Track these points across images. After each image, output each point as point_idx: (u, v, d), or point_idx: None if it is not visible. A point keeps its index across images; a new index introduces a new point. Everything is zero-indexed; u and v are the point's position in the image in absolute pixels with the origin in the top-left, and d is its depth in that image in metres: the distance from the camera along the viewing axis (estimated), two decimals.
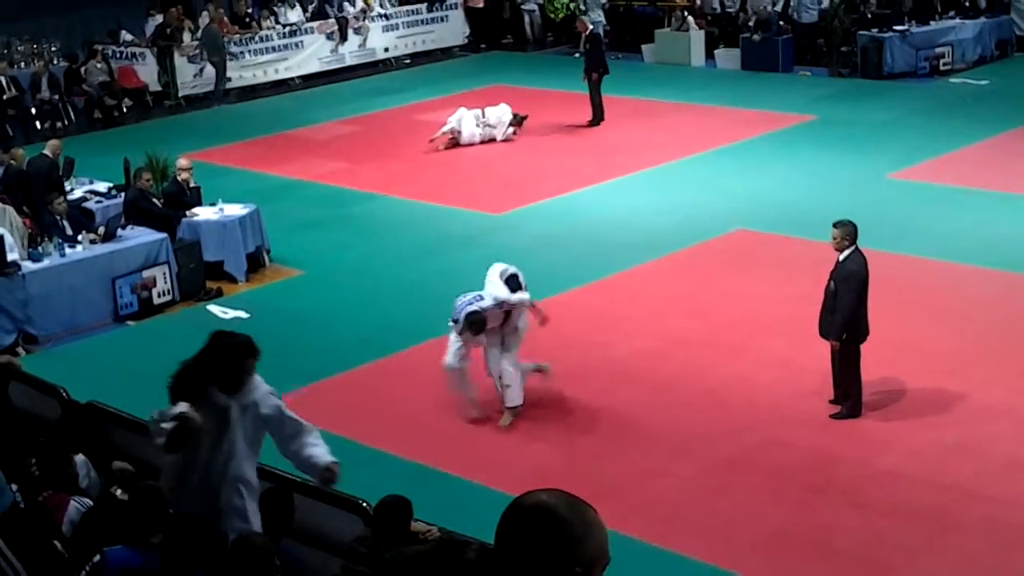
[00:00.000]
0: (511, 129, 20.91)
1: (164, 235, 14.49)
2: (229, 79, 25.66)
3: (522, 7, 30.24)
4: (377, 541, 6.90)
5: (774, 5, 25.99)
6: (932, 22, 24.66)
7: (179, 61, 25.31)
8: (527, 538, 2.91)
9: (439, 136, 20.65)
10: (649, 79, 25.32)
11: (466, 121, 20.69)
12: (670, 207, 16.93)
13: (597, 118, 21.56)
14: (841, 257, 10.58)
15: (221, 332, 7.35)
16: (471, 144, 20.64)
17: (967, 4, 25.24)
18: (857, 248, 10.57)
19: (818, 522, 9.30)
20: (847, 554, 8.94)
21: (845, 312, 10.49)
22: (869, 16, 24.94)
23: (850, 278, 10.48)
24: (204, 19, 26.40)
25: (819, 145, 19.51)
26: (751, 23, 25.86)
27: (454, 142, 20.69)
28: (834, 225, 10.69)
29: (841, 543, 9.06)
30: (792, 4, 25.95)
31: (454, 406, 11.45)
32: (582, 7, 28.22)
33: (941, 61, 24.22)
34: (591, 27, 22.65)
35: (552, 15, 30.03)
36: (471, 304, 10.88)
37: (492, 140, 20.79)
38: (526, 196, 17.79)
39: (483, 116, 20.85)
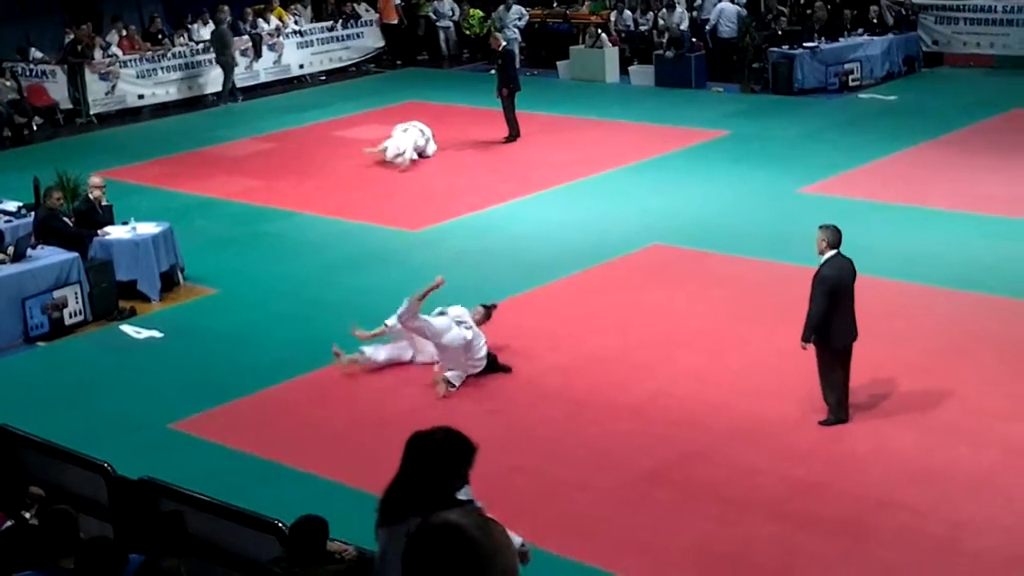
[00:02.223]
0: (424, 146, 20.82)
1: (75, 254, 14.28)
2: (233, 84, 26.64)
3: (437, 24, 30.28)
4: (293, 562, 6.84)
5: (680, 23, 26.23)
6: (841, 39, 25.06)
7: (90, 78, 25.02)
8: (437, 559, 2.87)
9: (404, 162, 20.38)
10: (564, 95, 25.46)
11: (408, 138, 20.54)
12: (586, 223, 17.01)
13: (513, 134, 21.62)
14: (821, 260, 10.69)
15: (422, 435, 5.70)
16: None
17: (875, 21, 25.67)
18: (839, 253, 10.64)
19: (736, 535, 9.36)
20: (765, 566, 9.01)
21: (813, 315, 10.56)
22: (780, 33, 25.28)
23: (822, 281, 10.56)
24: (113, 37, 26.13)
25: (732, 160, 19.71)
26: (664, 40, 26.10)
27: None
28: (819, 228, 10.80)
29: (759, 555, 9.13)
30: (711, 20, 26.24)
31: (370, 423, 11.41)
32: (497, 24, 28.32)
33: (850, 77, 24.63)
34: (504, 44, 22.72)
35: (467, 32, 30.10)
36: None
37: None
38: (443, 213, 17.79)
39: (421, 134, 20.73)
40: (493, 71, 23.34)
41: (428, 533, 2.91)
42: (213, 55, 26.58)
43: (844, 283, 10.57)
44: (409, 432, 11.41)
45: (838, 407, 10.81)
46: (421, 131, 20.65)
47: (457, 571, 2.86)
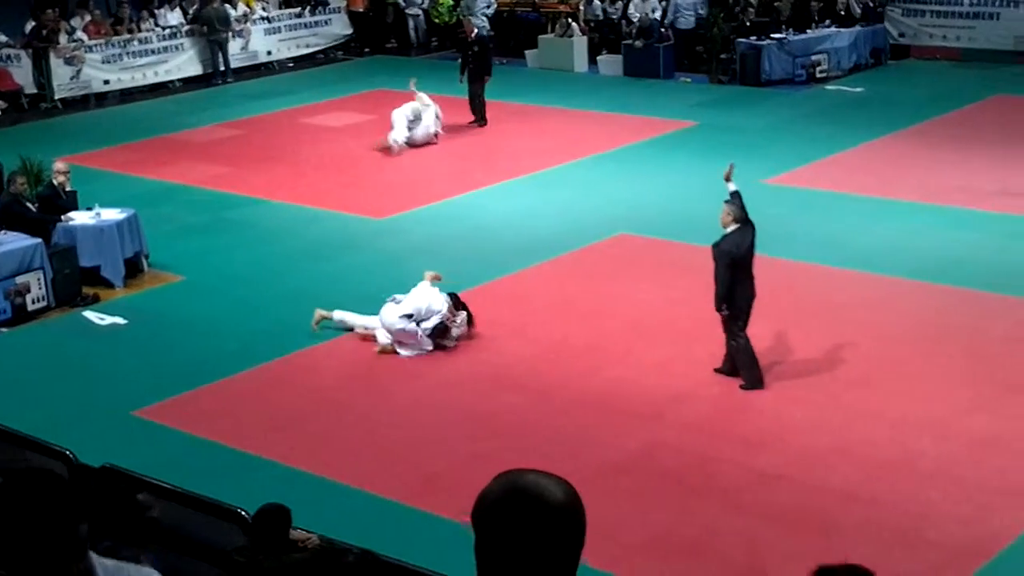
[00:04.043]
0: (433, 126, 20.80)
1: (39, 240, 14.16)
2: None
3: (406, 11, 30.17)
4: (256, 550, 6.82)
5: (653, 12, 26.27)
6: (809, 30, 25.14)
7: (55, 63, 24.80)
8: (553, 538, 2.74)
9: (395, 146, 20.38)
10: (533, 84, 25.43)
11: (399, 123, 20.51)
12: (553, 212, 17.01)
13: (480, 119, 21.73)
14: (724, 233, 11.26)
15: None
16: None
17: (843, 13, 25.75)
18: (742, 227, 11.17)
19: (699, 525, 9.39)
20: (727, 556, 9.04)
21: (720, 286, 11.21)
22: (748, 24, 25.33)
23: (722, 255, 11.19)
24: (79, 21, 25.92)
25: (699, 151, 19.72)
26: (633, 30, 26.11)
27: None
28: (724, 203, 11.41)
29: (722, 546, 9.15)
30: (669, 11, 26.27)
31: (334, 411, 11.39)
32: (465, 12, 28.28)
33: (817, 68, 24.70)
34: (476, 31, 22.67)
35: (436, 20, 30.02)
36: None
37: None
38: (409, 200, 17.74)
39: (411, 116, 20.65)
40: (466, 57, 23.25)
41: (539, 512, 2.74)
42: (208, 35, 26.81)
43: (743, 254, 11.18)
44: (374, 421, 11.43)
45: (750, 370, 11.36)
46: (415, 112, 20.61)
47: (570, 549, 2.77)
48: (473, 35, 22.20)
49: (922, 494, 9.62)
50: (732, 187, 11.65)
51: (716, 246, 11.31)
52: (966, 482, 9.77)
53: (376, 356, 12.51)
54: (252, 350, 12.81)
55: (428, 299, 12.47)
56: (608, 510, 9.54)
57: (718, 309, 11.29)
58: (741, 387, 11.37)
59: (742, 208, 11.32)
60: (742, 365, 11.39)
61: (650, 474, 10.10)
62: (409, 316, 12.38)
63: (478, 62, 21.73)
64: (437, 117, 20.81)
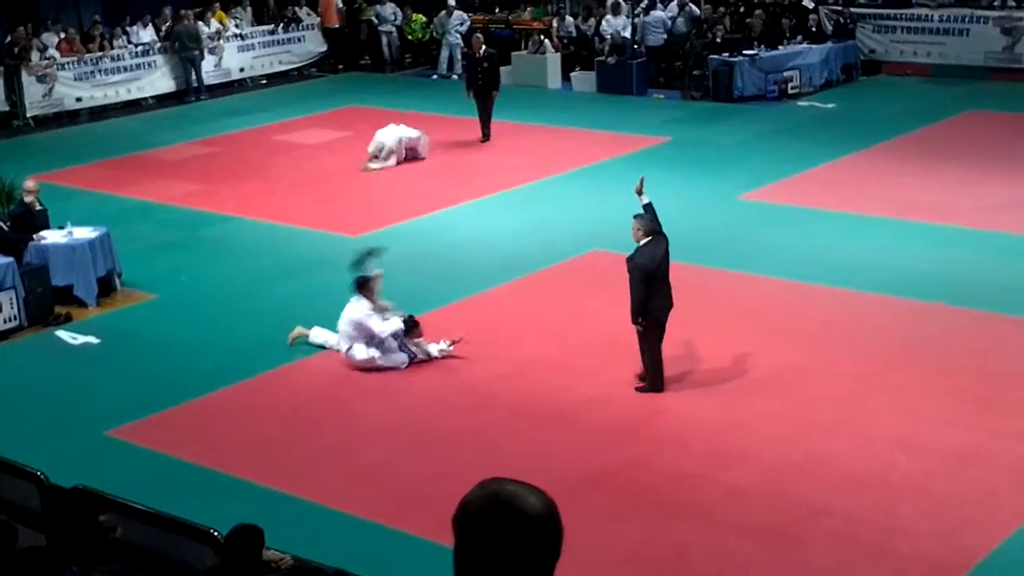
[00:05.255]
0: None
1: (10, 259, 14.10)
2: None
3: (379, 28, 30.20)
4: (228, 571, 6.80)
5: (624, 29, 26.36)
6: (780, 47, 25.26)
7: (27, 80, 24.73)
8: (530, 548, 2.82)
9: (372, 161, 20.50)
10: (506, 101, 25.34)
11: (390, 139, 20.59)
12: (527, 229, 17.03)
13: (487, 135, 22.00)
14: (637, 246, 11.52)
15: None
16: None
17: (814, 29, 25.90)
18: (653, 240, 11.41)
19: (672, 540, 9.41)
20: (700, 571, 9.06)
21: (634, 300, 11.39)
22: (719, 41, 25.45)
23: (635, 269, 11.40)
24: (51, 39, 25.83)
25: (673, 167, 19.78)
26: (606, 47, 26.18)
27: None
28: (633, 218, 11.61)
29: (695, 560, 9.18)
30: (638, 28, 26.37)
31: (308, 431, 11.37)
32: (438, 30, 28.42)
33: (789, 85, 24.83)
34: (484, 47, 22.69)
35: (410, 37, 30.09)
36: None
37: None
38: (382, 218, 17.73)
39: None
40: (456, 76, 23.31)
41: (518, 523, 2.81)
42: (179, 52, 26.89)
43: (657, 267, 11.38)
44: (348, 440, 11.40)
45: (655, 376, 11.58)
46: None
47: (548, 558, 2.83)
48: (482, 51, 22.24)
49: (894, 508, 9.66)
50: (645, 199, 11.82)
51: (630, 260, 11.49)
52: (939, 496, 9.83)
53: (349, 375, 12.50)
54: (226, 369, 12.78)
55: (350, 314, 12.59)
56: (580, 527, 9.54)
57: (634, 322, 11.47)
58: (637, 389, 11.64)
59: (653, 221, 11.52)
60: (651, 372, 11.60)
61: (622, 490, 10.11)
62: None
63: (487, 78, 21.83)
64: (423, 144, 20.90)
